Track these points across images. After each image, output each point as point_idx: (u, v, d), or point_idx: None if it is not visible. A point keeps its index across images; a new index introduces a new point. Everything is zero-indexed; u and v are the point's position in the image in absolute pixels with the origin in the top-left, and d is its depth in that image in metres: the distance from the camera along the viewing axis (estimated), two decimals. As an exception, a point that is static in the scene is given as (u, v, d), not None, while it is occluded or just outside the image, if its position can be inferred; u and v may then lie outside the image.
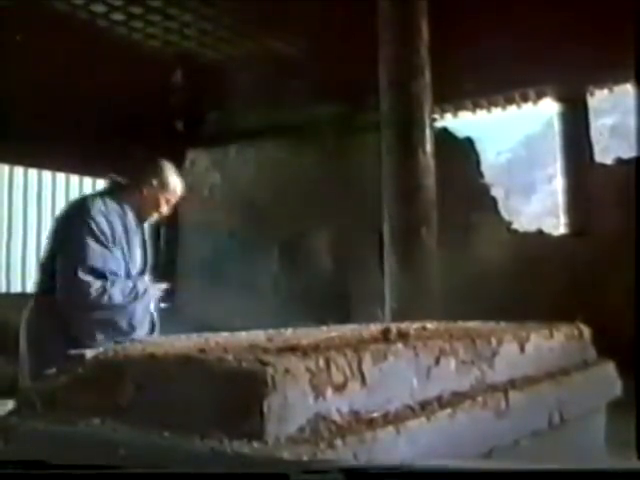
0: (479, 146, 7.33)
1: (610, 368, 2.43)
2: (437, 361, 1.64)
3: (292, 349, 1.46)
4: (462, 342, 1.78)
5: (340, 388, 1.37)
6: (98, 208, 2.88)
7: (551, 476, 1.10)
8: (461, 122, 8.02)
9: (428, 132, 5.03)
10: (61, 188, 8.12)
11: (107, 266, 2.83)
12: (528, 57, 6.45)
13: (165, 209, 3.10)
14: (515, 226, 7.30)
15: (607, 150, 9.30)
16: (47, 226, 5.47)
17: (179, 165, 8.60)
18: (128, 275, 2.93)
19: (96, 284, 2.78)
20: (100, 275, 2.80)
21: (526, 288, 6.13)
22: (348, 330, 2.00)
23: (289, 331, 2.01)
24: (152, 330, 3.01)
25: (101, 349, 1.57)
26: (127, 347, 1.61)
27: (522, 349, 2.00)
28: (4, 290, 7.71)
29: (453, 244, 6.05)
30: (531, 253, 6.51)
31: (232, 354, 1.37)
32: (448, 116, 7.93)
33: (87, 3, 7.05)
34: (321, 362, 1.36)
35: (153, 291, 3.02)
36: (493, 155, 16.78)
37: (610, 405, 2.38)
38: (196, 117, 8.75)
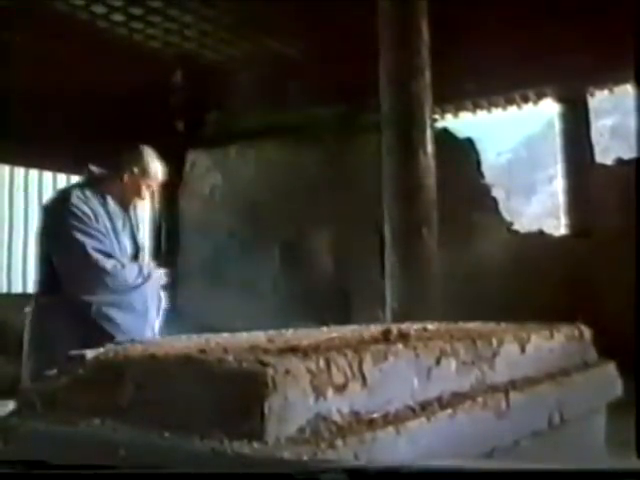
0: (480, 146, 7.33)
1: (610, 368, 2.43)
2: (438, 362, 1.64)
3: (292, 350, 1.46)
4: (463, 343, 1.78)
5: (340, 389, 1.37)
6: (77, 196, 2.92)
7: (551, 476, 1.10)
8: (462, 122, 8.02)
9: (428, 132, 5.02)
10: (61, 188, 8.13)
11: (110, 250, 2.87)
12: (528, 58, 6.46)
13: (146, 195, 3.09)
14: (516, 227, 7.30)
15: (607, 151, 9.31)
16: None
17: (179, 166, 8.66)
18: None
19: (110, 262, 2.82)
20: (108, 255, 2.83)
21: (527, 289, 6.13)
22: (348, 331, 2.00)
23: (289, 332, 2.01)
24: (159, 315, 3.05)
25: (101, 349, 1.57)
26: (127, 347, 1.61)
27: (522, 350, 2.00)
28: (5, 290, 7.71)
29: (454, 245, 6.05)
30: (532, 254, 6.51)
31: (232, 355, 1.37)
32: (449, 116, 7.94)
33: (87, 4, 7.06)
34: (321, 363, 1.36)
35: (157, 275, 3.05)
36: (494, 156, 16.79)
37: (610, 405, 2.38)
38: (196, 118, 8.75)
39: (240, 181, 8.28)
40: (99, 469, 1.13)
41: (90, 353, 1.53)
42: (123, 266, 2.89)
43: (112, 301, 2.84)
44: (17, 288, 7.77)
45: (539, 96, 7.56)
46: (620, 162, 6.62)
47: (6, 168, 7.70)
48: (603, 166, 6.84)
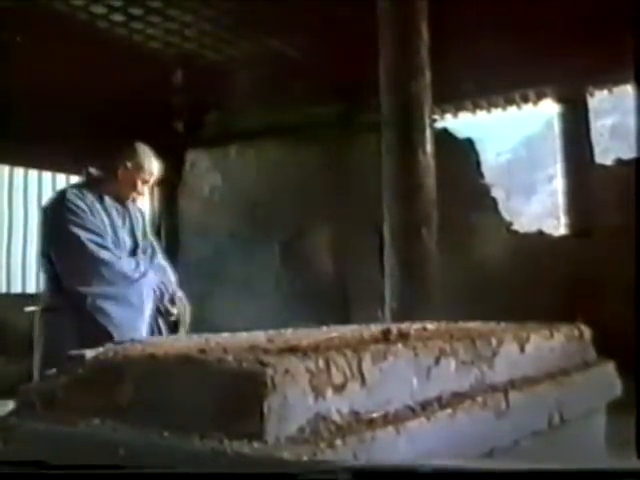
0: (479, 147, 7.33)
1: (610, 368, 2.43)
2: (437, 361, 1.64)
3: (292, 349, 1.46)
4: (462, 342, 1.78)
5: (340, 388, 1.37)
6: (73, 193, 2.97)
7: (551, 476, 1.10)
8: (461, 123, 8.02)
9: (428, 132, 5.03)
10: (61, 189, 8.12)
11: (106, 243, 2.89)
12: (528, 58, 6.46)
13: (143, 190, 3.10)
14: (515, 227, 7.30)
15: (607, 151, 9.30)
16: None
17: (179, 166, 8.66)
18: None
19: (104, 253, 2.84)
20: (103, 247, 2.84)
21: (526, 288, 6.13)
22: (348, 330, 2.00)
23: (289, 331, 2.01)
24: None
25: (101, 349, 1.57)
26: (127, 347, 1.61)
27: (522, 349, 2.00)
28: (4, 290, 7.71)
29: (453, 244, 6.05)
30: (531, 254, 6.51)
31: (232, 355, 1.37)
32: (448, 116, 7.94)
33: (87, 4, 7.06)
34: (321, 362, 1.36)
35: (153, 273, 3.03)
36: (493, 156, 16.79)
37: (610, 405, 2.38)
38: (196, 118, 8.75)
39: (240, 181, 8.28)
40: (99, 469, 1.13)
41: (90, 353, 1.53)
42: (119, 258, 2.90)
43: (107, 293, 2.85)
44: (17, 288, 7.78)
45: (539, 96, 7.56)
46: (620, 162, 6.62)
47: (6, 168, 7.70)
48: (603, 166, 6.84)
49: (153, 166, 3.09)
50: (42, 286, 3.19)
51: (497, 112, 8.01)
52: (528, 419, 1.81)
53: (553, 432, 1.92)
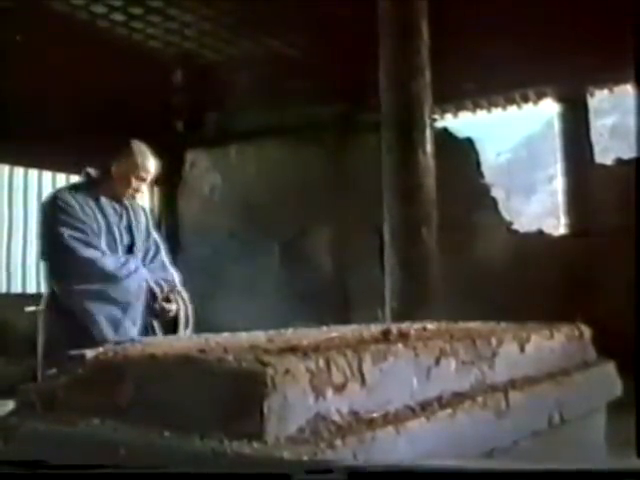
0: (479, 146, 7.33)
1: (610, 368, 2.43)
2: (437, 361, 1.64)
3: (292, 349, 1.46)
4: (462, 342, 1.78)
5: (340, 388, 1.37)
6: (67, 194, 2.97)
7: (551, 476, 1.10)
8: (461, 122, 8.02)
9: (428, 132, 5.03)
10: (61, 188, 8.11)
11: (90, 239, 2.87)
12: (528, 57, 6.46)
13: (140, 186, 3.07)
14: (515, 226, 7.30)
15: (607, 150, 9.30)
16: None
17: (179, 166, 8.66)
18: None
19: (85, 251, 2.83)
20: (85, 244, 2.84)
21: (526, 288, 6.12)
22: (348, 330, 2.00)
23: (289, 331, 2.01)
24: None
25: (101, 349, 1.57)
26: (127, 347, 1.61)
27: (522, 349, 2.00)
28: (4, 290, 7.71)
29: (453, 244, 6.05)
30: (531, 253, 6.51)
31: (232, 354, 1.37)
32: (448, 116, 7.94)
33: (87, 4, 7.06)
34: (321, 362, 1.36)
35: (146, 271, 2.99)
36: (493, 155, 16.79)
37: (610, 405, 2.38)
38: (196, 118, 8.75)
39: (240, 181, 8.28)
40: (99, 469, 1.13)
41: (90, 353, 1.53)
42: (103, 254, 2.87)
43: (89, 291, 2.82)
44: (17, 288, 7.77)
45: (539, 96, 7.56)
46: (620, 162, 6.62)
47: (6, 168, 7.70)
48: (603, 166, 6.84)
49: (148, 163, 3.05)
50: (43, 285, 3.20)
51: (497, 112, 8.01)
52: (528, 419, 1.81)
53: (553, 432, 1.92)
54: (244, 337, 1.87)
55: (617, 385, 2.41)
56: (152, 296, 2.97)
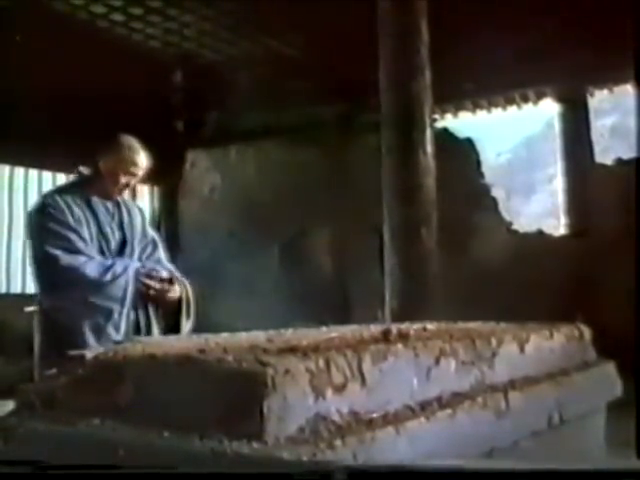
0: (479, 146, 7.34)
1: (610, 368, 2.42)
2: (437, 361, 1.64)
3: (292, 350, 1.46)
4: (462, 343, 1.78)
5: (340, 388, 1.37)
6: (54, 196, 2.94)
7: (551, 476, 1.10)
8: (461, 122, 8.03)
9: (428, 132, 5.03)
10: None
11: (75, 245, 2.83)
12: (528, 58, 6.46)
13: (130, 182, 3.01)
14: (515, 226, 7.31)
15: (607, 151, 9.31)
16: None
17: (179, 165, 8.67)
18: (103, 255, 2.93)
19: (65, 258, 2.79)
20: (69, 251, 2.81)
21: (526, 288, 6.13)
22: (348, 331, 2.00)
23: (289, 332, 2.01)
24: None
25: (101, 349, 1.57)
26: (127, 347, 1.61)
27: (522, 349, 2.00)
28: (4, 290, 7.72)
29: (453, 244, 6.05)
30: (531, 253, 6.52)
31: (232, 355, 1.37)
32: (448, 116, 7.94)
33: (87, 4, 7.06)
34: (321, 363, 1.36)
35: (133, 270, 2.91)
36: (493, 155, 16.80)
37: (610, 405, 2.38)
38: (196, 118, 8.76)
39: (240, 181, 8.28)
40: (99, 469, 1.13)
41: (90, 353, 1.53)
42: (89, 258, 2.82)
43: (71, 300, 2.79)
44: (16, 288, 7.78)
45: (539, 96, 7.57)
46: (620, 162, 6.62)
47: (6, 168, 7.70)
48: (603, 166, 6.84)
49: (137, 157, 2.98)
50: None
51: (497, 112, 8.02)
52: (528, 419, 1.81)
53: (553, 432, 1.92)
54: (244, 337, 1.87)
55: (617, 385, 2.41)
56: (147, 288, 2.92)
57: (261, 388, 1.23)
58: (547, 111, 8.11)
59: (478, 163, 7.19)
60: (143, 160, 3.01)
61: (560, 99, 7.23)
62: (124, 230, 3.04)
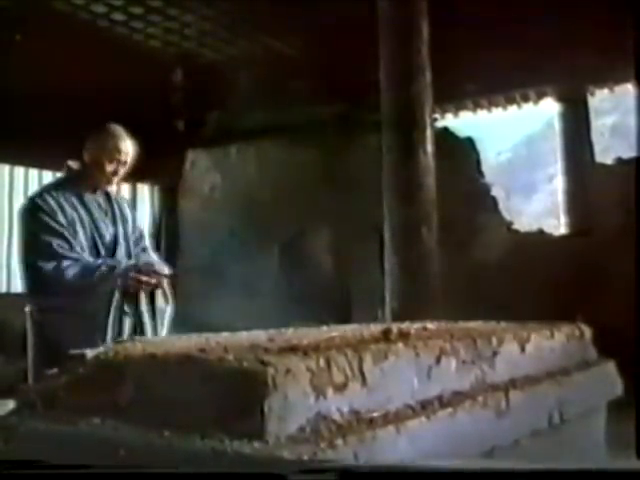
0: (480, 146, 7.33)
1: (611, 368, 2.42)
2: (438, 361, 1.64)
3: (293, 349, 1.46)
4: (463, 342, 1.78)
5: (341, 388, 1.37)
6: (44, 196, 2.91)
7: (551, 476, 1.10)
8: (462, 122, 8.02)
9: (429, 132, 5.03)
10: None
11: (62, 249, 2.80)
12: (529, 57, 6.46)
13: (118, 169, 2.99)
14: (516, 226, 7.30)
15: (608, 150, 9.30)
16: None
17: (179, 165, 8.66)
18: (98, 254, 2.91)
19: (48, 265, 2.76)
20: (54, 257, 2.78)
21: (527, 288, 6.12)
22: (349, 330, 2.00)
23: (290, 331, 2.01)
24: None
25: (101, 349, 1.57)
26: (127, 347, 1.60)
27: (523, 349, 2.00)
28: (4, 290, 7.71)
29: (453, 244, 6.05)
30: (532, 253, 6.51)
31: (233, 354, 1.37)
32: (449, 116, 7.94)
33: (87, 3, 7.06)
34: (322, 362, 1.36)
35: (119, 276, 2.84)
36: (494, 155, 16.81)
37: (610, 405, 2.38)
38: (197, 117, 8.75)
39: (240, 180, 8.28)
40: (99, 469, 1.13)
41: (90, 352, 1.53)
42: (76, 261, 2.78)
43: (54, 305, 2.77)
44: (16, 288, 7.77)
45: (539, 95, 7.56)
46: (620, 161, 6.61)
47: (6, 168, 7.70)
48: (603, 165, 6.84)
49: (119, 143, 2.97)
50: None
51: (498, 111, 8.02)
52: (528, 418, 1.81)
53: (553, 431, 1.92)
54: (244, 336, 1.87)
55: (617, 385, 2.41)
56: (138, 283, 2.87)
57: (262, 387, 1.23)
58: (547, 110, 8.10)
59: (478, 162, 7.19)
60: (127, 146, 2.99)
61: (560, 98, 7.23)
62: (117, 225, 3.03)
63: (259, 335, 1.88)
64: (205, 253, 8.22)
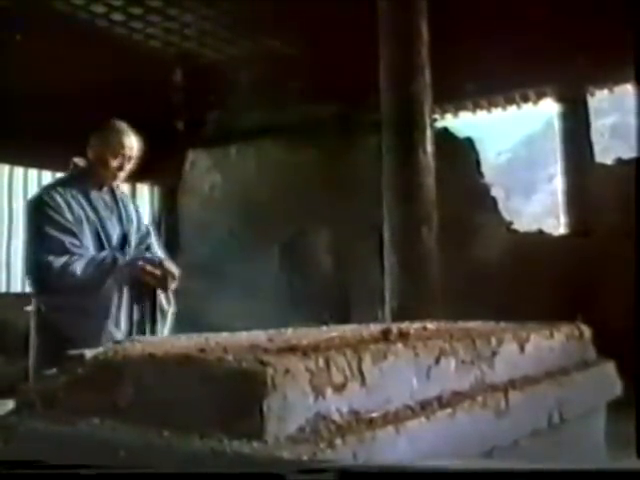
0: (479, 146, 7.33)
1: (610, 368, 2.42)
2: (437, 361, 1.64)
3: (292, 349, 1.46)
4: (462, 342, 1.78)
5: (340, 388, 1.37)
6: (50, 193, 2.92)
7: (551, 476, 1.10)
8: (461, 122, 8.02)
9: (428, 132, 5.02)
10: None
11: (68, 246, 2.81)
12: (528, 57, 6.46)
13: (123, 164, 3.00)
14: (515, 226, 7.30)
15: (607, 150, 9.30)
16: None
17: (179, 165, 8.66)
18: (104, 250, 2.91)
19: (58, 261, 2.76)
20: (62, 253, 2.78)
21: (526, 288, 6.12)
22: (348, 330, 2.00)
23: (289, 331, 2.01)
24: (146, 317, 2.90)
25: (101, 349, 1.57)
26: (127, 347, 1.61)
27: (522, 349, 2.00)
28: (4, 290, 7.71)
29: (453, 244, 6.05)
30: (531, 253, 6.51)
31: (232, 354, 1.37)
32: (448, 116, 7.94)
33: (87, 3, 7.06)
34: (321, 362, 1.36)
35: (125, 266, 2.86)
36: (493, 155, 16.80)
37: (610, 405, 2.38)
38: (197, 117, 8.75)
39: (240, 180, 8.28)
40: (99, 469, 1.13)
41: (89, 352, 1.53)
42: (77, 258, 2.78)
43: (58, 304, 2.78)
44: (17, 288, 7.77)
45: (539, 96, 7.56)
46: (620, 162, 6.61)
47: (6, 168, 7.70)
48: (603, 166, 6.84)
49: (123, 139, 2.98)
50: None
51: (497, 111, 8.02)
52: (528, 419, 1.81)
53: (553, 432, 1.92)
54: (244, 337, 1.87)
55: (617, 385, 2.41)
56: (145, 274, 2.87)
57: (261, 387, 1.23)
58: (547, 111, 8.10)
59: (478, 163, 7.19)
60: (131, 141, 3.00)
61: (560, 99, 7.23)
62: (123, 224, 3.04)
63: (258, 335, 1.88)
64: (205, 253, 8.21)
